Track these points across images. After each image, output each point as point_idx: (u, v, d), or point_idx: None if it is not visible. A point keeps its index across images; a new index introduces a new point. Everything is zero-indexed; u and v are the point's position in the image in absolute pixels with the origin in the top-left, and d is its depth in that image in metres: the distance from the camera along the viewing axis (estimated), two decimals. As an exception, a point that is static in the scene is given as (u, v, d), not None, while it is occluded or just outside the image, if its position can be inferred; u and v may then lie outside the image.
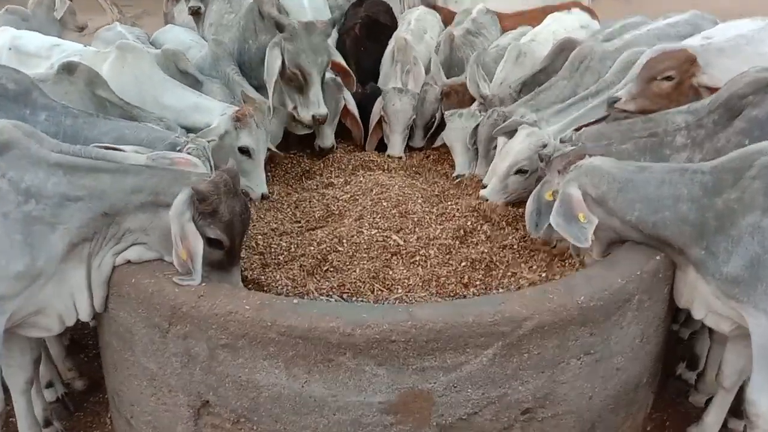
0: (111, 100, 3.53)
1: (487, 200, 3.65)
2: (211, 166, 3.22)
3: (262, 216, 3.59)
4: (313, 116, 4.04)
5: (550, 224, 2.98)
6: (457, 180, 4.23)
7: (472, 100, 4.50)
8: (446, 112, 4.40)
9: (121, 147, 2.88)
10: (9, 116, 2.99)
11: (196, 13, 5.30)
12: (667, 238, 2.58)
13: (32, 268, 2.34)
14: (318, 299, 2.80)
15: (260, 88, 4.59)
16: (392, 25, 5.22)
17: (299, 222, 3.59)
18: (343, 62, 4.35)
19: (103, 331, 2.80)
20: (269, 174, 4.28)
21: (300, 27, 3.96)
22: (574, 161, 2.78)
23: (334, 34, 5.20)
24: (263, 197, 3.76)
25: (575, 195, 2.62)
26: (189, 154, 3.03)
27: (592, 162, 2.72)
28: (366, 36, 4.82)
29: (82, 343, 3.82)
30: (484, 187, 3.79)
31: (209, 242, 2.44)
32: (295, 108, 4.15)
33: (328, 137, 4.46)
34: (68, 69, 3.50)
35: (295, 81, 4.03)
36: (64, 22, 5.88)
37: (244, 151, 3.67)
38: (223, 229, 2.46)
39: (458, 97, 4.56)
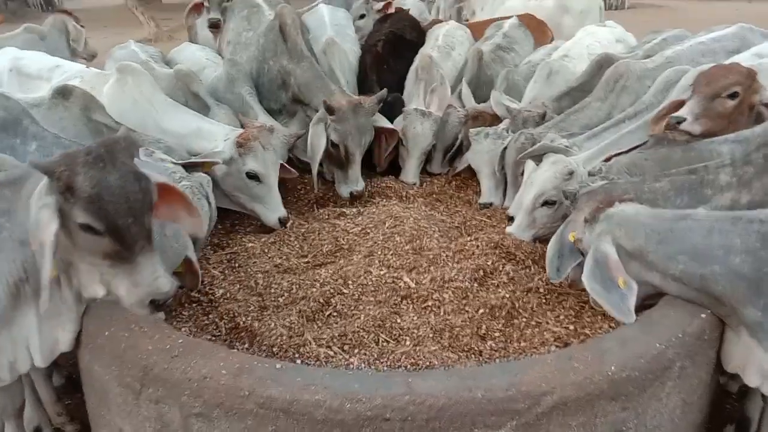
0: (108, 124, 3.34)
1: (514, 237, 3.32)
2: (209, 202, 2.99)
3: (266, 251, 3.33)
4: (351, 193, 3.96)
5: (578, 266, 2.68)
6: (483, 209, 3.91)
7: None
8: (471, 131, 4.08)
9: None
10: (-1, 146, 2.83)
11: (215, 26, 5.14)
12: (718, 294, 2.25)
13: None
14: (315, 352, 2.52)
15: (278, 111, 4.40)
16: (419, 41, 4.94)
17: (306, 257, 3.32)
18: (387, 125, 4.13)
19: (83, 383, 2.57)
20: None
21: (348, 108, 3.85)
22: (603, 208, 2.45)
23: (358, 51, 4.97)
24: (281, 222, 3.53)
25: (611, 255, 2.33)
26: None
27: (623, 211, 2.41)
28: (389, 53, 4.56)
29: (78, 381, 3.60)
30: (511, 219, 3.46)
31: (84, 229, 2.03)
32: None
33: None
34: (63, 93, 3.34)
35: (336, 158, 3.96)
36: (73, 48, 5.81)
37: (252, 176, 3.45)
38: (87, 208, 1.98)
39: (485, 123, 4.23)
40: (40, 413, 3.13)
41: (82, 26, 5.95)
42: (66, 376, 3.58)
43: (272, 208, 3.54)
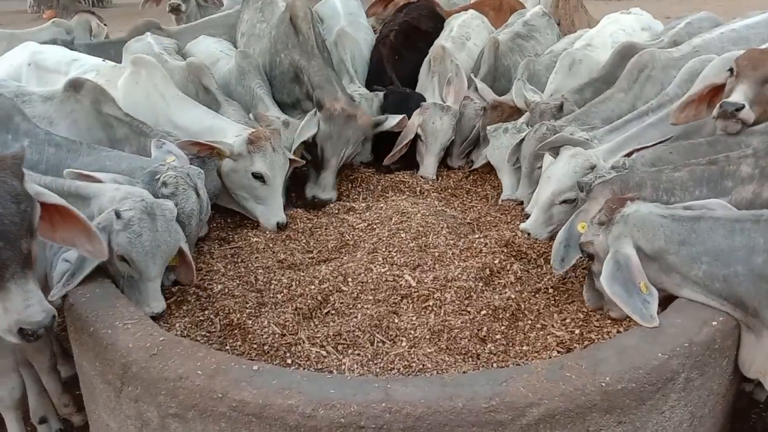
0: (117, 116, 3.35)
1: (528, 235, 3.18)
2: (198, 194, 2.94)
3: (271, 246, 3.28)
4: (313, 197, 3.82)
5: (593, 287, 2.55)
6: (501, 203, 3.77)
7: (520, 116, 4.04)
8: (489, 128, 3.93)
9: (98, 176, 2.67)
10: (-12, 142, 2.84)
11: (176, 11, 5.15)
12: (741, 296, 2.15)
13: None
14: (307, 351, 2.45)
15: (291, 106, 4.34)
16: (435, 32, 4.80)
17: (311, 252, 3.25)
18: (395, 120, 4.00)
19: (79, 377, 2.57)
20: (293, 195, 3.99)
21: (339, 114, 3.76)
22: (617, 208, 2.31)
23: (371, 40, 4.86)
24: (279, 226, 3.44)
25: (633, 258, 2.23)
26: (166, 182, 2.77)
27: (639, 210, 2.30)
28: (402, 43, 4.43)
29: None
30: (527, 216, 3.32)
31: None
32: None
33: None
34: (74, 86, 3.35)
35: (315, 156, 3.86)
36: None
37: (258, 176, 3.39)
38: None
39: (503, 115, 4.08)
40: (44, 404, 3.16)
41: (105, 24, 6.11)
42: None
43: (272, 212, 3.44)
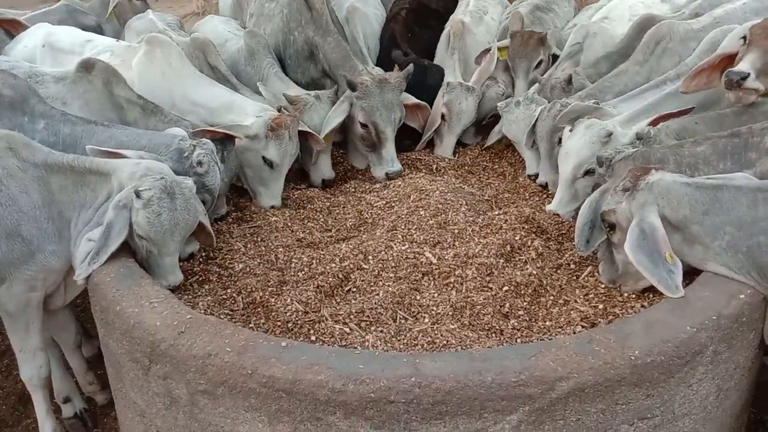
0: (129, 98, 3.33)
1: (557, 215, 3.17)
2: (219, 168, 2.96)
3: (289, 224, 3.28)
4: (386, 173, 3.73)
5: (610, 261, 2.53)
6: (521, 180, 3.74)
7: (537, 45, 4.04)
8: (500, 104, 3.88)
9: (122, 152, 2.67)
10: (5, 124, 2.84)
11: None
12: (763, 267, 2.13)
13: None
14: (330, 328, 2.46)
15: (305, 85, 4.29)
16: (445, 10, 4.71)
17: (330, 231, 3.26)
18: (413, 100, 3.96)
19: (103, 355, 2.60)
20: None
21: (373, 84, 3.69)
22: (641, 176, 2.29)
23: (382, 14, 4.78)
24: (272, 207, 3.50)
25: (659, 228, 2.19)
26: (201, 161, 2.79)
27: (663, 179, 2.27)
28: (414, 21, 4.36)
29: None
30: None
31: None
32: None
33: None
34: (86, 67, 3.32)
35: (367, 139, 3.78)
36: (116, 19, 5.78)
37: (268, 162, 3.40)
38: None
39: (522, 41, 4.07)
40: (68, 384, 3.21)
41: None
42: (98, 346, 3.66)
43: (271, 195, 3.49)
